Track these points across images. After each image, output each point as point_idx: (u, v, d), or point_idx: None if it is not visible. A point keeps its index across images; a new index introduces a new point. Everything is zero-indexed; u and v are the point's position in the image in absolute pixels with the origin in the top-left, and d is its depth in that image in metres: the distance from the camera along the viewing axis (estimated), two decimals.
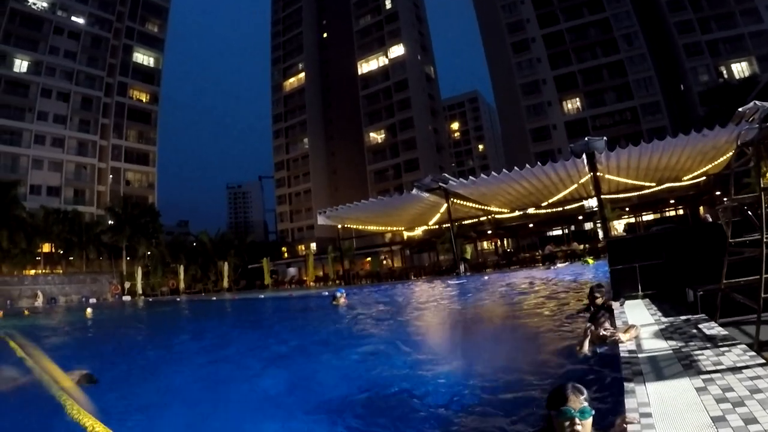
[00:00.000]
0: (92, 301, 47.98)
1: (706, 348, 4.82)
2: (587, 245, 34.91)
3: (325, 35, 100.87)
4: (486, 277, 26.53)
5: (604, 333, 6.28)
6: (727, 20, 58.57)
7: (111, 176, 74.02)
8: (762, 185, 4.76)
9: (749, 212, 4.94)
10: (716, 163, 28.36)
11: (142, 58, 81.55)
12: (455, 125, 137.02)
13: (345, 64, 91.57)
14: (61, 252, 57.48)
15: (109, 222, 60.74)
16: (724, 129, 21.80)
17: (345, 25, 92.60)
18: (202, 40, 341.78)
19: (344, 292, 20.45)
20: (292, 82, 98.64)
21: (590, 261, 29.49)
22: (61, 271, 57.10)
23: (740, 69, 57.64)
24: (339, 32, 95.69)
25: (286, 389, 7.05)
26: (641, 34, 63.52)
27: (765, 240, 4.55)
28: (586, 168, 26.99)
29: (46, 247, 57.58)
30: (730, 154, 19.95)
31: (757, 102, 20.18)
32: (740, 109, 20.58)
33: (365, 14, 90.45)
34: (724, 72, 57.87)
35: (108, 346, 14.57)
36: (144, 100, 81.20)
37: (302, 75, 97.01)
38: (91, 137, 72.19)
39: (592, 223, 43.65)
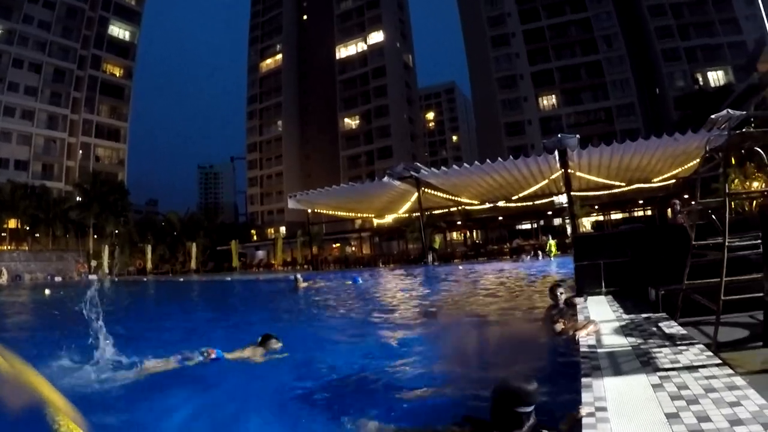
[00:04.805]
0: (57, 279, 47.21)
1: (665, 346, 4.90)
2: (555, 240, 35.36)
3: (305, 17, 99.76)
4: (460, 267, 26.74)
5: (564, 327, 6.38)
6: (706, 28, 59.46)
7: (81, 151, 72.40)
8: (727, 191, 4.85)
9: (713, 216, 5.02)
10: (686, 167, 28.88)
11: (118, 31, 79.63)
12: (430, 115, 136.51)
13: (323, 48, 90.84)
14: (27, 228, 56.31)
15: (77, 198, 59.57)
16: (696, 134, 22.18)
17: (325, 8, 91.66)
18: (179, 15, 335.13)
19: (310, 279, 20.69)
20: (269, 63, 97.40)
21: (553, 246, 30.18)
22: (26, 248, 55.94)
23: (716, 77, 58.63)
24: (319, 15, 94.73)
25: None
26: (621, 36, 64.27)
27: (727, 244, 4.64)
28: (558, 164, 27.29)
29: (12, 223, 56.37)
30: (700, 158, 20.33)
31: (729, 110, 20.58)
32: (713, 116, 20.96)
33: None
34: (700, 79, 58.78)
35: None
36: (118, 74, 79.36)
37: (279, 56, 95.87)
38: (61, 111, 70.52)
39: (561, 218, 44.20)
